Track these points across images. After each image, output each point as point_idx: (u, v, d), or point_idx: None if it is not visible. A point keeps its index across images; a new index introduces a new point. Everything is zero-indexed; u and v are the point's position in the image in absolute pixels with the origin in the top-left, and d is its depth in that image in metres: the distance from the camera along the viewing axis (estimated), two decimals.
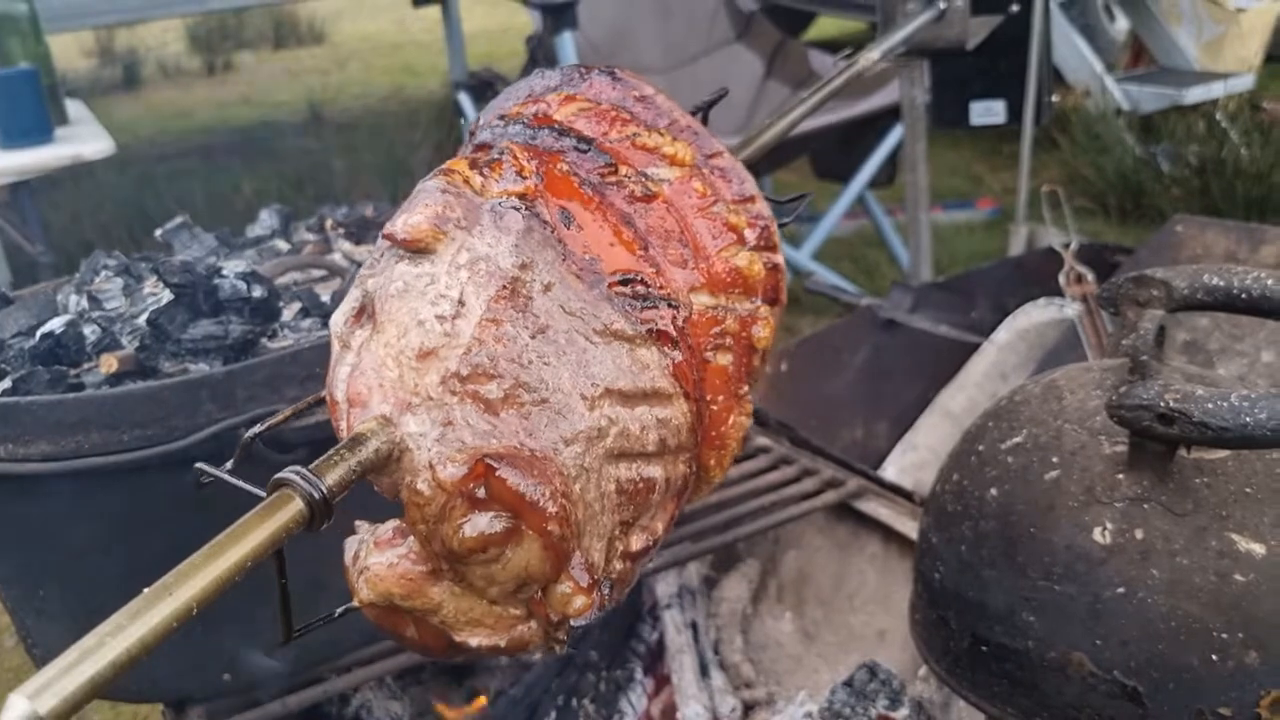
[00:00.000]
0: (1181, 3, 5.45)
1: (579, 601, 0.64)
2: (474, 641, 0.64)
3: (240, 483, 0.67)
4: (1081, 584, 1.03)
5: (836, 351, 2.21)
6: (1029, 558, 1.06)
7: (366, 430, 0.68)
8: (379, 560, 0.65)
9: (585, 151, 0.80)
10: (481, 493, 0.61)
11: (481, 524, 0.60)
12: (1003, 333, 2.21)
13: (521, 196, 0.73)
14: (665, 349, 0.70)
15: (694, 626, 1.65)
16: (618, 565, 0.67)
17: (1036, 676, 1.06)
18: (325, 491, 0.64)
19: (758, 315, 0.77)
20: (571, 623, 0.64)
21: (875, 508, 1.57)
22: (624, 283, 0.71)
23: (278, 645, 1.06)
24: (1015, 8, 2.39)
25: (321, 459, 0.66)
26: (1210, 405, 0.94)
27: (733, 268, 0.79)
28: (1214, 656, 1.00)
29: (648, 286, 0.72)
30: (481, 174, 0.73)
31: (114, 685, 0.56)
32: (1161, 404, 0.96)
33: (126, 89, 7.96)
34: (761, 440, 1.74)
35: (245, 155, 5.42)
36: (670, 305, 0.72)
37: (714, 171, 0.84)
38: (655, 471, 0.68)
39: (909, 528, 1.51)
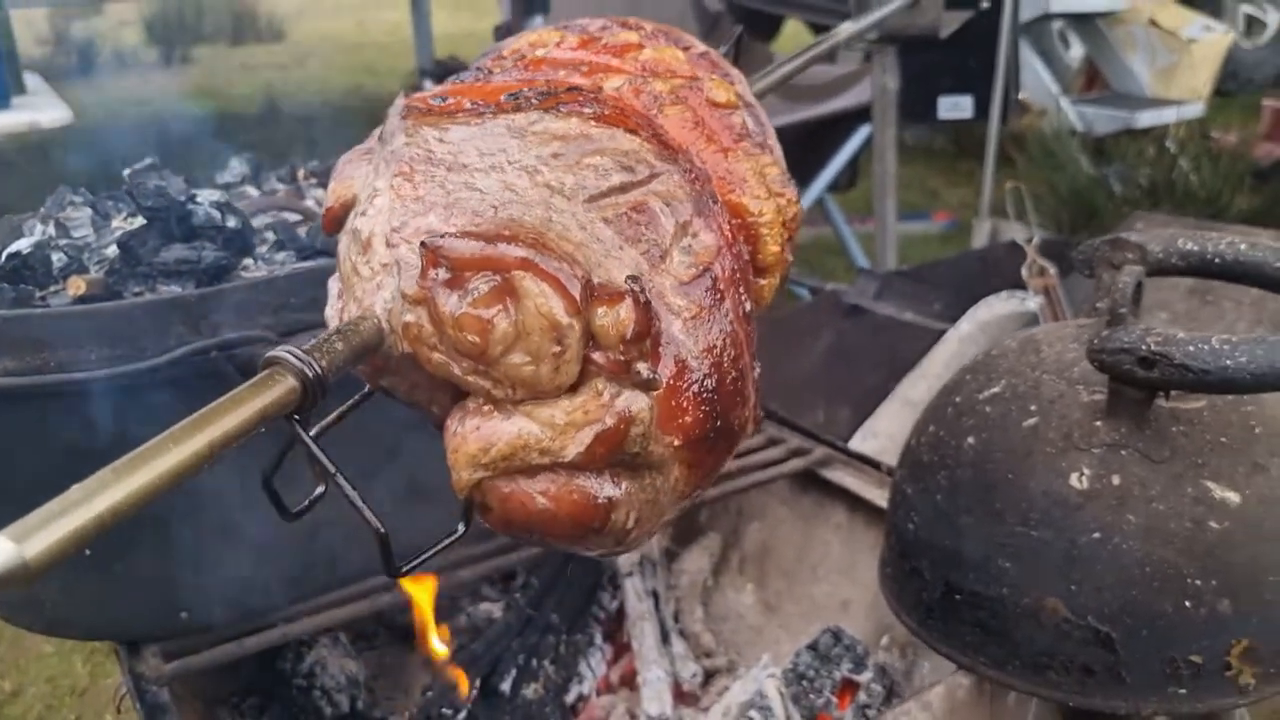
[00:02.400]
0: (1136, 31, 5.56)
1: (620, 312, 0.60)
2: (583, 445, 0.60)
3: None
4: (1058, 529, 1.03)
5: (800, 335, 2.21)
6: (1006, 504, 1.06)
7: (353, 320, 0.68)
8: (449, 435, 0.63)
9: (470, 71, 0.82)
10: (444, 273, 0.59)
11: (467, 297, 0.59)
12: (965, 324, 2.23)
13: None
14: (577, 109, 0.69)
15: (655, 595, 1.64)
16: (677, 301, 0.65)
17: (1009, 624, 1.06)
18: (319, 370, 0.62)
19: (703, 83, 0.77)
20: (627, 337, 0.60)
21: (841, 476, 1.56)
22: (513, 96, 0.71)
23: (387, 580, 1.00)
24: (986, 4, 2.43)
25: (311, 344, 0.65)
26: (1191, 348, 0.95)
27: (641, 61, 0.80)
28: (1187, 603, 1.00)
29: (536, 88, 0.72)
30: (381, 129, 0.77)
31: (94, 537, 0.54)
32: (1143, 347, 0.97)
33: (81, 76, 7.83)
34: None
35: (203, 145, 5.34)
36: (570, 89, 0.72)
37: (602, 30, 0.85)
38: (641, 197, 0.66)
39: (876, 495, 1.50)
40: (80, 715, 2.33)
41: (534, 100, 0.70)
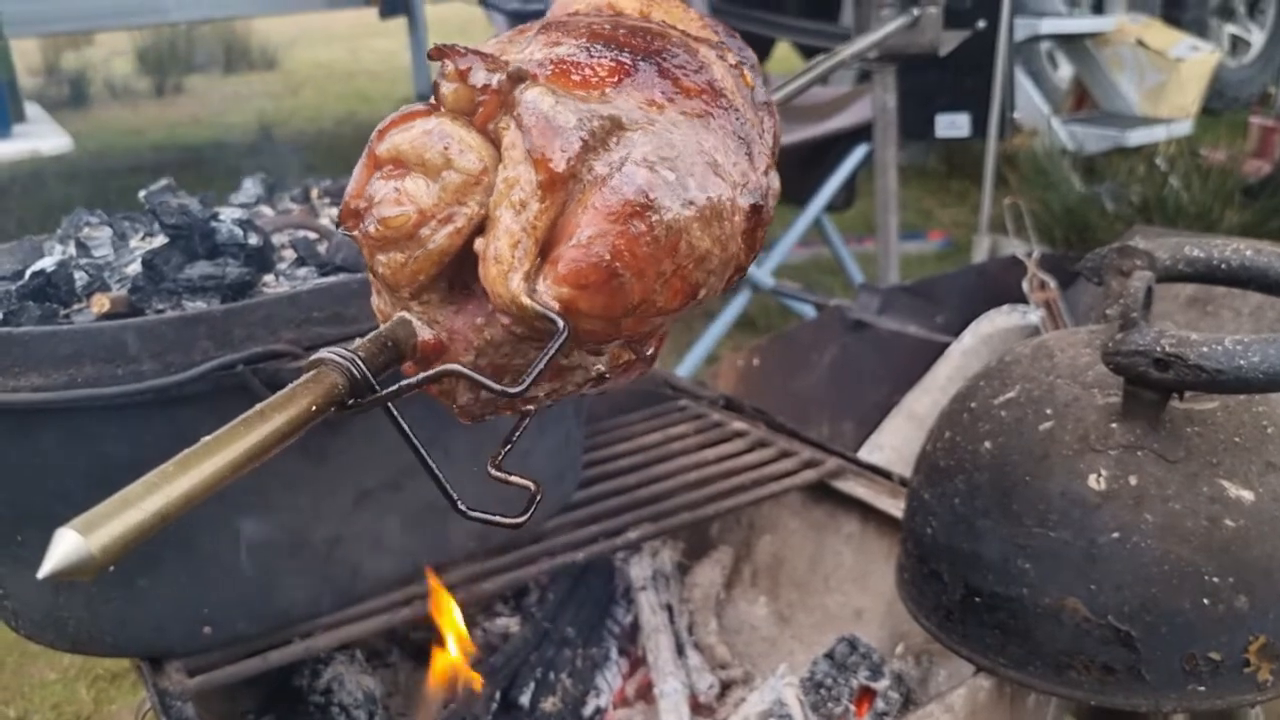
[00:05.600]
0: (1124, 52, 5.62)
1: (445, 68, 0.64)
2: (532, 160, 0.63)
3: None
4: (1076, 529, 1.05)
5: (805, 350, 2.23)
6: (1024, 506, 1.08)
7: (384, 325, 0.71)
8: (490, 298, 0.65)
9: None
10: (368, 221, 0.66)
11: (372, 200, 0.65)
12: (967, 337, 2.25)
13: None
14: None
15: (669, 608, 1.65)
16: (527, 51, 0.68)
17: (1030, 624, 1.08)
18: (361, 364, 0.64)
19: None
20: (460, 71, 0.64)
21: (853, 486, 1.58)
22: None
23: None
24: (982, 24, 2.46)
25: (353, 345, 0.67)
26: (1205, 349, 0.97)
27: None
28: (1205, 600, 1.02)
29: None
30: None
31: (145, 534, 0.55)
32: (1158, 349, 0.99)
33: (74, 106, 7.86)
34: (738, 425, 1.75)
35: (198, 172, 5.37)
36: None
37: None
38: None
39: (888, 505, 1.52)
40: None
41: None
